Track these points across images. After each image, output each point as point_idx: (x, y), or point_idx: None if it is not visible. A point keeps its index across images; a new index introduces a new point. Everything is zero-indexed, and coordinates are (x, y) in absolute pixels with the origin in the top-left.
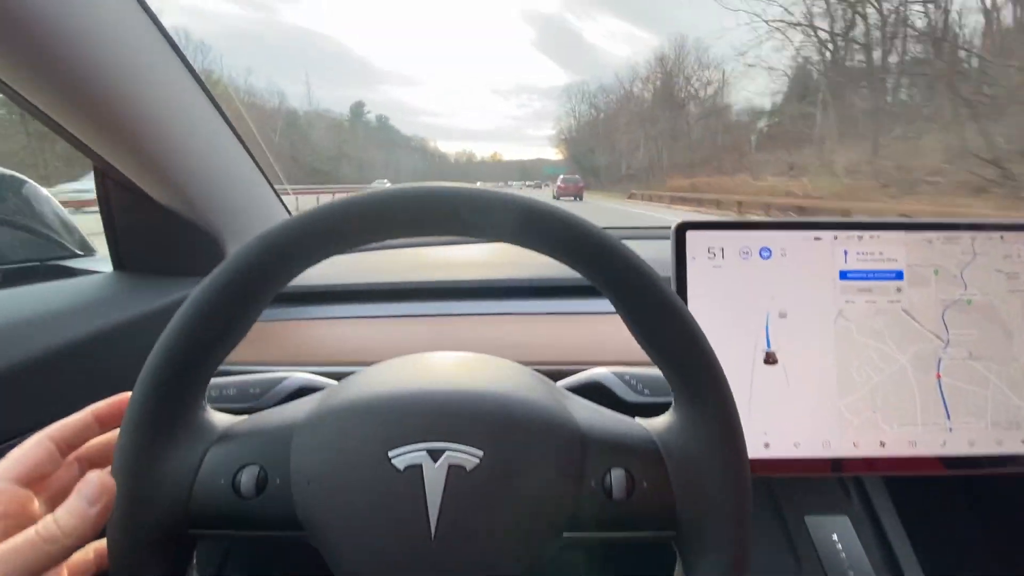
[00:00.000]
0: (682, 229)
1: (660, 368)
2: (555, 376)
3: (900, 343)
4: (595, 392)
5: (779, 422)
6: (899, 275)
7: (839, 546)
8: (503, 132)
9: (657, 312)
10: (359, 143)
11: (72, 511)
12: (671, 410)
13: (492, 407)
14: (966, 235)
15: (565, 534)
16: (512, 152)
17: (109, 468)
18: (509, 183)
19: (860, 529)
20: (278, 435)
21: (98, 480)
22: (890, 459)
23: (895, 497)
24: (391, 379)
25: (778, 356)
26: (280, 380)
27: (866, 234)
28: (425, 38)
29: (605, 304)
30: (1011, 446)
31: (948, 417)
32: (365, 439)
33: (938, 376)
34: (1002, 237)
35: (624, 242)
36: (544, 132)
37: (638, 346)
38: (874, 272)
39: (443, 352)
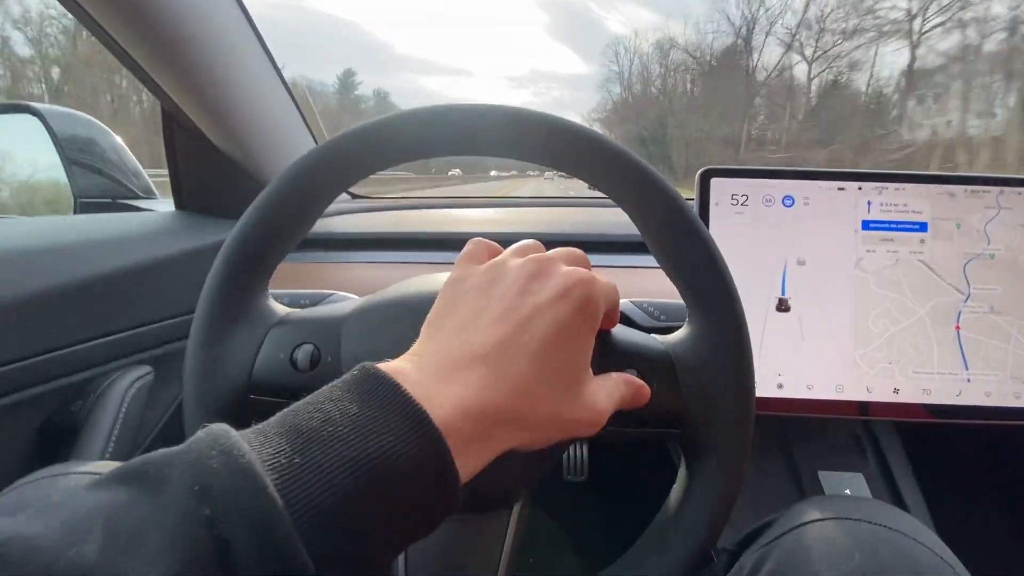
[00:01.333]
0: (707, 176)
1: (673, 280)
2: None
3: (919, 295)
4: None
5: (792, 365)
6: (923, 227)
7: None
8: None
9: (670, 222)
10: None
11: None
12: (685, 324)
13: None
14: (992, 189)
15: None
16: None
17: None
18: (528, 172)
19: (875, 488)
20: (330, 322)
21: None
22: (903, 405)
23: (912, 458)
24: (426, 285)
25: (793, 303)
26: (329, 294)
27: (891, 186)
28: (440, 22)
29: (632, 259)
30: None
31: (966, 368)
32: (403, 326)
33: (957, 328)
34: (1021, 193)
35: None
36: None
37: (657, 292)
38: (897, 223)
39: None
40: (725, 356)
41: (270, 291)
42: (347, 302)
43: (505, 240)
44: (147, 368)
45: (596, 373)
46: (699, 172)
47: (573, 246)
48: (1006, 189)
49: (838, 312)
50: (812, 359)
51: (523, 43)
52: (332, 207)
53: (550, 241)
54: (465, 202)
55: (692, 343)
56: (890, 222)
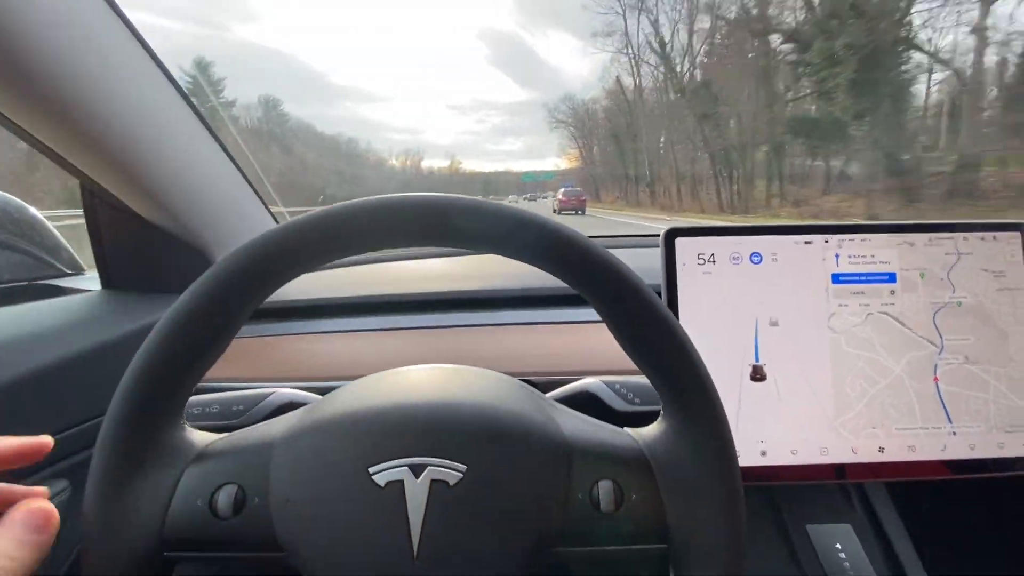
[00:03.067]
0: (671, 235)
1: (647, 375)
2: (545, 387)
3: (893, 351)
4: (585, 403)
5: (774, 432)
6: (892, 277)
7: (842, 555)
8: (462, 146)
9: (641, 318)
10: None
11: (23, 542)
12: (660, 419)
13: (474, 419)
14: (949, 236)
15: (554, 549)
16: (471, 166)
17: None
18: (510, 198)
19: (863, 537)
20: (257, 453)
21: (41, 509)
22: (889, 464)
23: (898, 504)
24: (372, 394)
25: (769, 370)
26: (264, 396)
27: (857, 237)
28: (382, 54)
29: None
30: (1013, 449)
31: (950, 421)
32: (345, 455)
33: (936, 380)
34: (982, 238)
35: (610, 250)
36: (504, 147)
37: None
38: (866, 275)
39: (426, 365)
40: (709, 460)
41: (192, 399)
42: (281, 419)
43: (468, 298)
44: (63, 483)
45: (568, 486)
46: (663, 232)
47: (551, 299)
48: (964, 235)
49: (816, 376)
50: (794, 423)
51: (463, 72)
52: None
53: (502, 296)
54: (430, 253)
55: (671, 443)
56: (859, 274)
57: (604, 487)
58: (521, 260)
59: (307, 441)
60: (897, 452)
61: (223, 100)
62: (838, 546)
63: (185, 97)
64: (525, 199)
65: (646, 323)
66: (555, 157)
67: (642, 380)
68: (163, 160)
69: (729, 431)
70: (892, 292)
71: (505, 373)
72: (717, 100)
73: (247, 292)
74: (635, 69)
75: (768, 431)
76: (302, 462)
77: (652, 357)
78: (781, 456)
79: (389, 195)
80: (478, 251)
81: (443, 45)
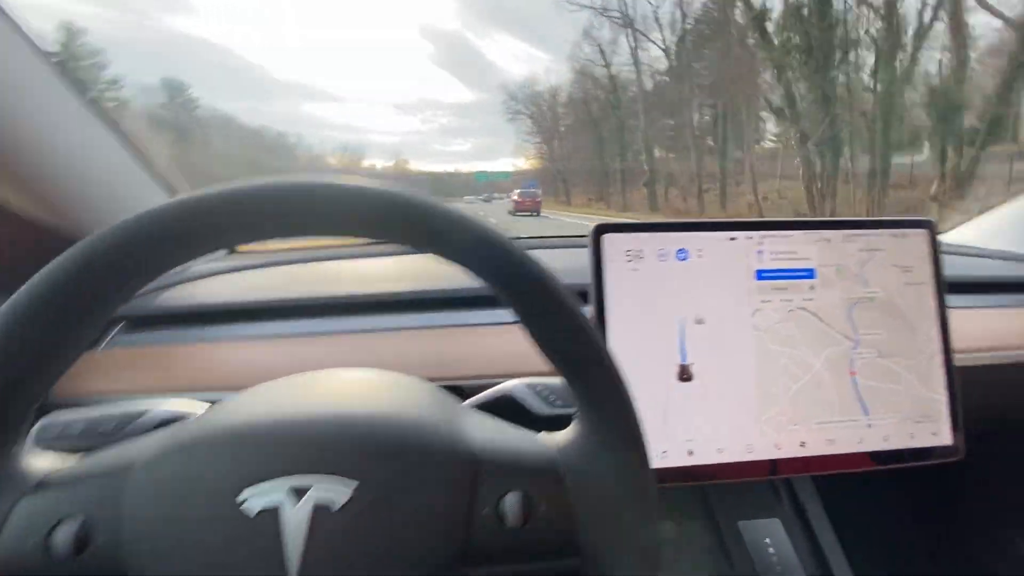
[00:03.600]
0: (599, 231)
1: (560, 374)
2: (469, 391)
3: (813, 346)
4: (507, 407)
5: (701, 431)
6: (811, 273)
7: (771, 550)
8: (410, 146)
9: (548, 312)
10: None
11: None
12: (574, 422)
13: (365, 431)
14: (863, 232)
15: (457, 573)
16: (419, 166)
17: None
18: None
19: (791, 531)
20: (109, 480)
21: None
22: (812, 458)
23: (823, 497)
24: (254, 405)
25: (696, 369)
26: (141, 413)
27: (779, 233)
28: (325, 50)
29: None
30: (922, 439)
31: (866, 413)
32: (211, 480)
33: (853, 374)
34: (893, 234)
35: (542, 250)
36: (453, 148)
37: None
38: (788, 271)
39: (327, 370)
40: (621, 463)
41: (48, 420)
42: (146, 437)
43: (396, 300)
44: None
45: (472, 501)
46: (592, 227)
47: (486, 300)
48: (875, 231)
49: (741, 375)
50: (721, 422)
51: (409, 71)
52: (200, 267)
53: (425, 298)
54: (375, 250)
55: (582, 448)
56: (781, 271)
57: (511, 500)
58: (423, 251)
59: (169, 464)
60: (818, 446)
61: (108, 79)
62: (767, 541)
63: (55, 68)
64: (482, 200)
65: (553, 318)
66: (509, 158)
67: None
68: (24, 134)
69: (642, 432)
70: (812, 287)
71: (433, 379)
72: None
73: (108, 284)
74: (632, 35)
75: (695, 430)
76: (162, 490)
77: (561, 354)
78: (708, 455)
79: (290, 179)
80: (375, 239)
81: (386, 42)
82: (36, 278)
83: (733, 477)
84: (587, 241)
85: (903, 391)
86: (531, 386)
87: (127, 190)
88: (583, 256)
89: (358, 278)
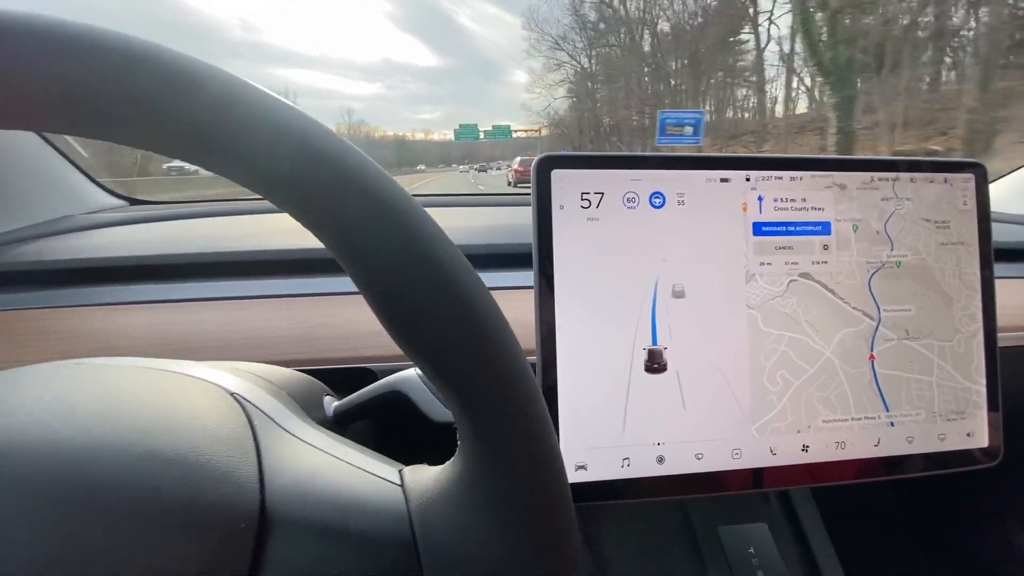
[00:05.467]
0: (545, 166)
1: (429, 378)
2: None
3: (822, 329)
4: (395, 408)
5: (674, 432)
6: (826, 228)
7: (755, 560)
8: (374, 113)
9: (402, 272)
10: None
11: None
12: (454, 457)
13: (71, 467)
14: (888, 177)
15: None
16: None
17: None
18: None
19: (779, 537)
20: None
21: None
22: (814, 466)
23: (819, 499)
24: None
25: (669, 355)
26: None
27: (785, 174)
28: (283, 9)
29: (519, 277)
30: (954, 440)
31: (887, 409)
32: None
33: (872, 358)
34: (931, 180)
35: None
36: (423, 116)
37: None
38: (796, 225)
39: (58, 362)
40: (520, 541)
41: None
42: None
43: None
44: None
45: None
46: (535, 161)
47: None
48: (904, 175)
49: (729, 364)
50: (700, 421)
51: (373, 32)
52: (79, 219)
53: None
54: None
55: (456, 506)
56: (787, 224)
57: None
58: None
59: None
60: (824, 451)
61: None
62: (751, 550)
63: None
64: (476, 169)
65: (405, 276)
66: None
67: None
68: None
69: (566, 493)
70: (825, 247)
71: (316, 360)
72: None
73: None
74: None
75: (667, 430)
76: None
77: (417, 335)
78: (684, 463)
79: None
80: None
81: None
82: None
83: (714, 491)
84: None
85: (933, 381)
86: (425, 379)
87: None
88: (526, 215)
89: (266, 232)
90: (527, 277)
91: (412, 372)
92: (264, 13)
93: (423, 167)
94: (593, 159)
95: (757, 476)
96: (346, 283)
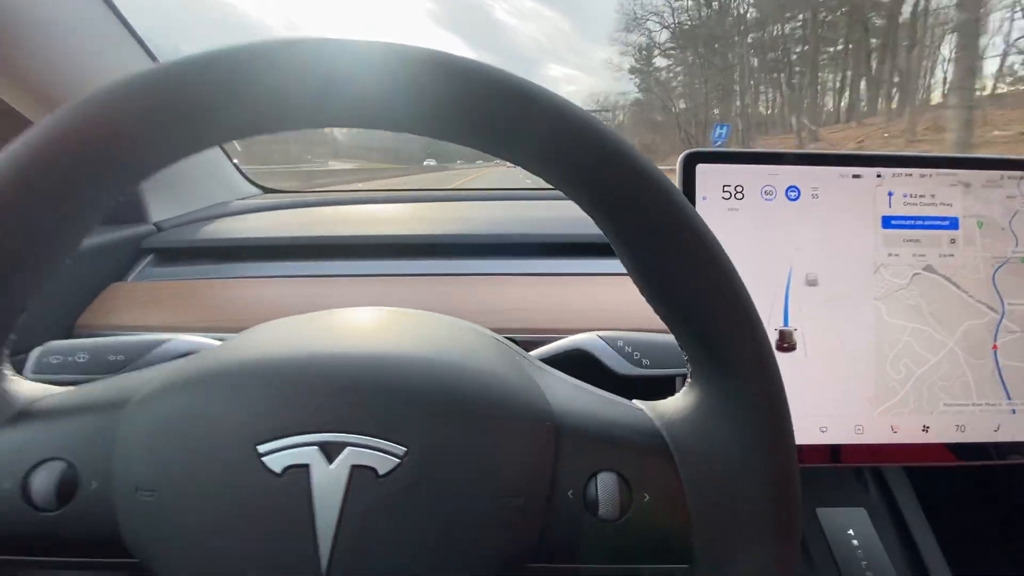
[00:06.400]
0: (691, 161)
1: (669, 324)
2: (529, 347)
3: (946, 321)
4: (577, 365)
5: (798, 405)
6: (954, 223)
7: (855, 541)
8: None
9: (668, 235)
10: None
11: None
12: (686, 388)
13: (420, 380)
14: (1013, 175)
15: (529, 565)
16: None
17: None
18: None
19: (878, 522)
20: (100, 416)
21: None
22: (932, 446)
23: (917, 487)
24: (281, 340)
25: (799, 337)
26: (156, 344)
27: (916, 171)
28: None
29: (596, 264)
30: None
31: (1008, 397)
32: (225, 426)
33: (995, 347)
34: None
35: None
36: None
37: (639, 314)
38: (924, 219)
39: (373, 307)
40: (757, 447)
41: (53, 344)
42: (150, 370)
43: (439, 243)
44: None
45: (553, 480)
46: (681, 156)
47: (525, 247)
48: None
49: (855, 348)
50: (825, 399)
51: (413, 31)
52: (231, 204)
53: (492, 243)
54: (401, 196)
55: (700, 421)
56: (916, 218)
57: (605, 482)
58: (478, 145)
59: (171, 402)
60: (944, 432)
61: None
62: (850, 532)
63: None
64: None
65: (674, 242)
66: None
67: (654, 336)
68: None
69: (788, 410)
70: (952, 241)
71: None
72: None
73: (93, 165)
74: None
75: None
76: (162, 432)
77: (679, 294)
78: (808, 434)
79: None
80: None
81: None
82: (48, 121)
83: (834, 462)
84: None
85: None
86: (609, 340)
87: None
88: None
89: (394, 220)
90: (597, 265)
91: (592, 335)
92: (306, 12)
93: (432, 161)
94: (735, 155)
95: (877, 452)
96: (448, 266)
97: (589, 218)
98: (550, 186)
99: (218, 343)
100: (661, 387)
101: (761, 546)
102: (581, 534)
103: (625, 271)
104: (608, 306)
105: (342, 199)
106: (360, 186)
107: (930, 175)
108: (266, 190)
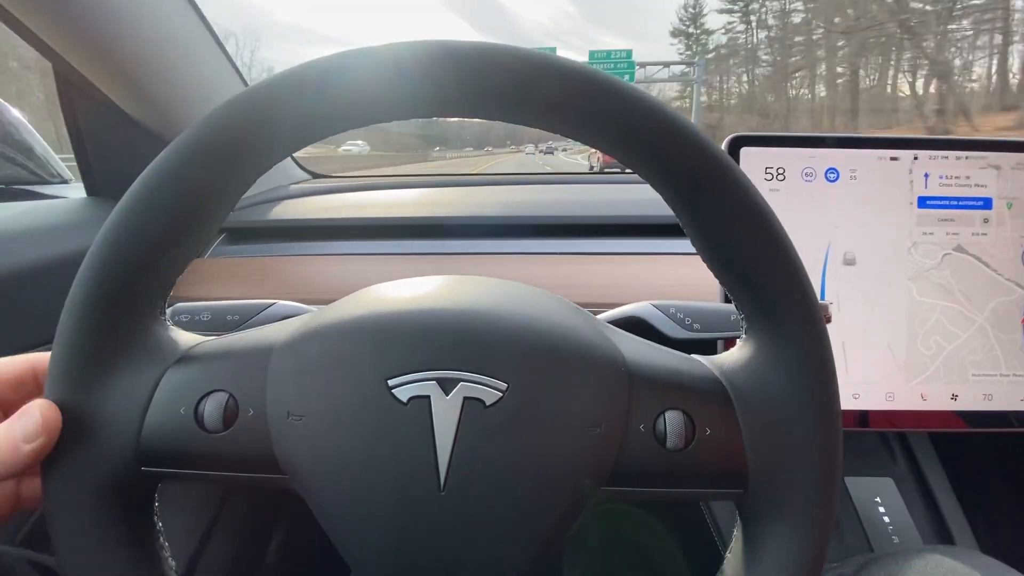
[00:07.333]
0: (736, 144)
1: (724, 284)
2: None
3: (976, 298)
4: (633, 328)
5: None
6: (987, 203)
7: (882, 509)
8: None
9: (725, 202)
10: None
11: (35, 432)
12: (740, 343)
13: (518, 330)
14: None
15: (605, 488)
16: None
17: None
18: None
19: (905, 492)
20: (252, 357)
21: (40, 414)
22: (962, 413)
23: (943, 458)
24: (393, 297)
25: (835, 310)
26: (265, 306)
27: (952, 154)
28: None
29: (650, 244)
30: None
31: None
32: (360, 363)
33: (1023, 322)
34: None
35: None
36: None
37: (689, 288)
38: (958, 200)
39: (468, 276)
40: (805, 387)
41: (181, 304)
42: (283, 323)
43: (503, 224)
44: None
45: (627, 415)
46: (727, 139)
47: (574, 228)
48: None
49: (888, 323)
50: (857, 370)
51: (418, 16)
52: (289, 188)
53: (544, 223)
54: (444, 180)
55: (755, 368)
56: (950, 198)
57: (672, 419)
58: (553, 127)
59: (314, 345)
60: (972, 400)
61: None
62: (877, 499)
63: None
64: (542, 151)
65: (731, 209)
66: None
67: (701, 303)
68: (150, 45)
69: (832, 358)
70: (985, 221)
71: None
72: None
73: (234, 160)
74: None
75: None
76: (307, 369)
77: (736, 256)
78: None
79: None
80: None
81: None
82: (198, 123)
83: (870, 427)
84: None
85: None
86: (661, 308)
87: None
88: (640, 192)
89: (467, 203)
90: (640, 244)
91: (646, 303)
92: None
93: (439, 149)
94: (777, 139)
95: (906, 418)
96: (514, 246)
97: (629, 202)
98: (581, 172)
99: (314, 308)
100: (707, 348)
101: (806, 473)
102: (650, 462)
103: (668, 252)
104: (654, 280)
105: (388, 183)
106: (397, 170)
107: (964, 157)
108: (315, 175)
